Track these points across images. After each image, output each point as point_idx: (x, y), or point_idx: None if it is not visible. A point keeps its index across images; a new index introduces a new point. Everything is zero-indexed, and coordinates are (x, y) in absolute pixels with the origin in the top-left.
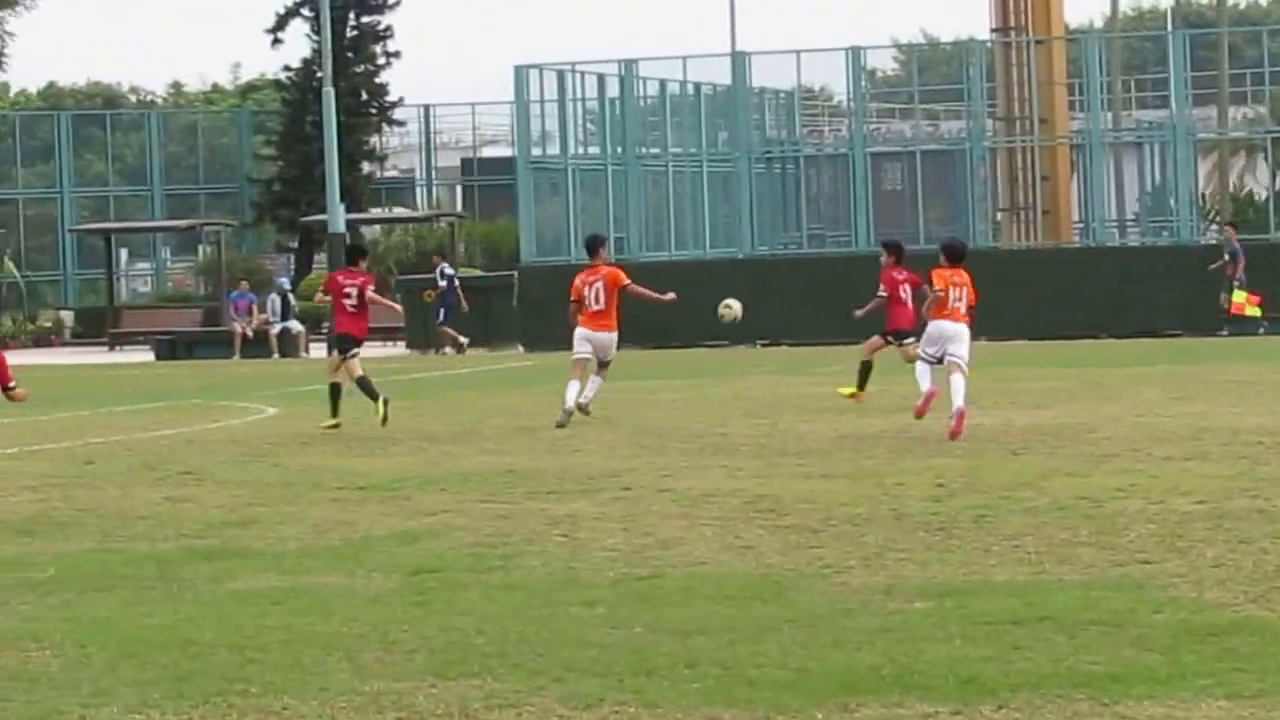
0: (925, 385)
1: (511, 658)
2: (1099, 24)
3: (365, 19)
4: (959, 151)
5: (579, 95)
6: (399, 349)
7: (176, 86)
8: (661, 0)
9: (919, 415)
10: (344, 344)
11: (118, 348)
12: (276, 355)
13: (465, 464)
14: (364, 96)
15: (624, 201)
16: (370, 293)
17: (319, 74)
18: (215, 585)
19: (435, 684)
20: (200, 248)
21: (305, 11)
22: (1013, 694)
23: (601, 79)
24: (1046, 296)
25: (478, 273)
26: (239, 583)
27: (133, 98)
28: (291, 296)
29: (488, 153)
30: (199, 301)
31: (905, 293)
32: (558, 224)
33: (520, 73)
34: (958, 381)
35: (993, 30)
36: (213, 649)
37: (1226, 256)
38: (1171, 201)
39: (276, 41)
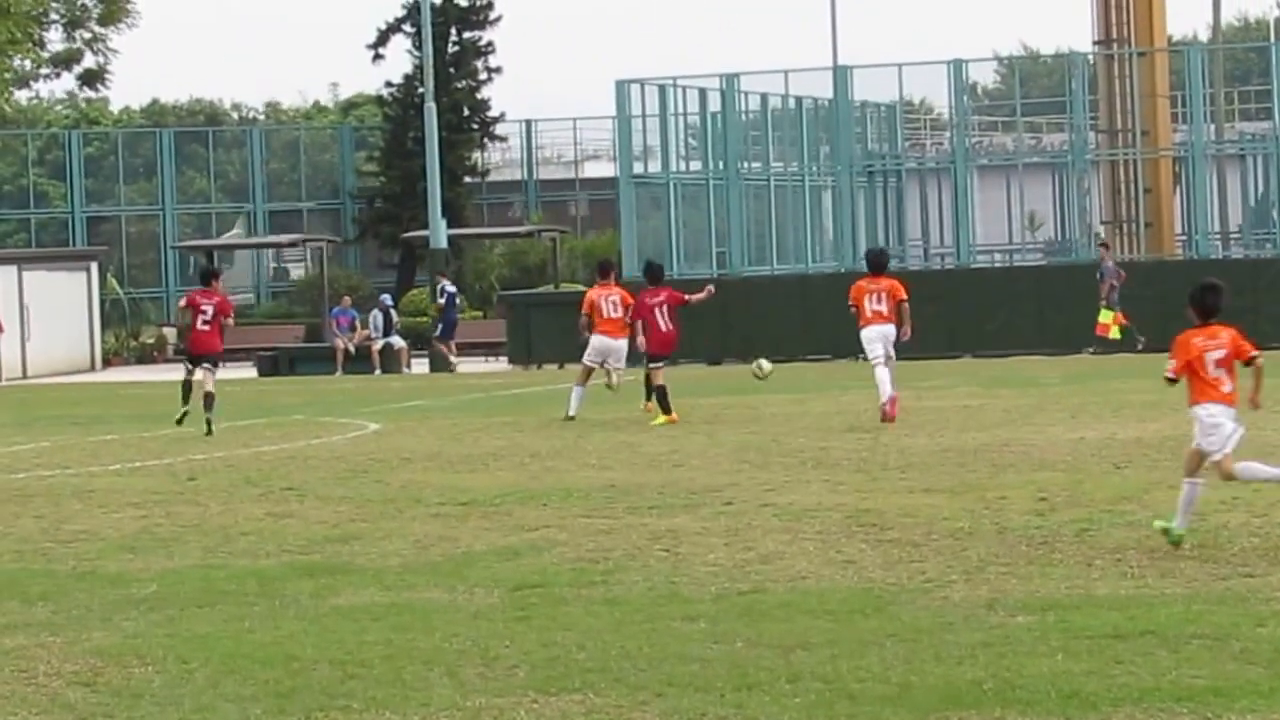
0: (886, 392)
1: (613, 673)
2: (1202, 36)
3: (467, 34)
4: (1061, 164)
5: (680, 110)
6: (501, 364)
7: (273, 106)
8: (763, 14)
9: (887, 419)
10: (199, 360)
11: (220, 364)
12: (379, 371)
13: (567, 479)
14: (466, 112)
15: (725, 216)
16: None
17: (421, 89)
18: (317, 601)
19: (537, 699)
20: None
21: (407, 28)
22: (1115, 708)
23: (703, 93)
24: (1150, 310)
25: (580, 288)
26: (341, 598)
27: (235, 114)
28: (394, 312)
29: (590, 167)
30: (301, 317)
31: (662, 315)
32: (660, 239)
33: (621, 87)
34: (883, 369)
35: (1095, 43)
36: (314, 665)
37: (1099, 276)
38: (1275, 214)
39: (378, 57)
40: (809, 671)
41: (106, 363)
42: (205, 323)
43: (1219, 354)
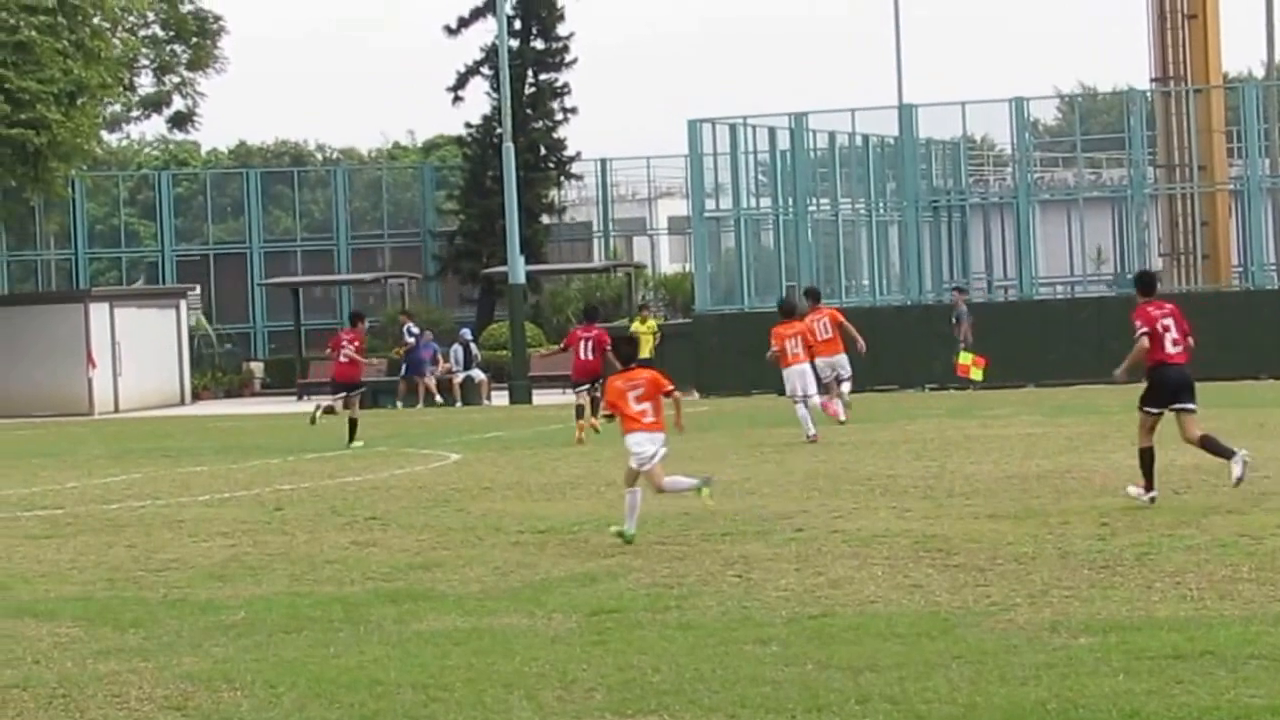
0: (810, 430)
1: (687, 695)
2: (1257, 72)
3: (543, 76)
4: (1121, 199)
5: (751, 148)
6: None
7: (349, 152)
8: (830, 54)
9: (814, 440)
10: (344, 387)
11: (306, 397)
12: (459, 403)
13: (642, 507)
14: (542, 151)
15: (795, 251)
16: (351, 350)
17: (499, 130)
18: (401, 626)
19: None
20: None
21: (485, 70)
22: None
23: (772, 132)
24: (1207, 339)
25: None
26: (423, 624)
27: (319, 155)
28: (474, 346)
29: (663, 205)
30: (384, 352)
31: (586, 347)
32: (731, 274)
33: (694, 126)
34: (803, 407)
35: (1152, 80)
36: (398, 688)
37: (954, 320)
38: None
39: (458, 99)
40: (878, 693)
41: (196, 397)
42: (348, 356)
43: (638, 391)
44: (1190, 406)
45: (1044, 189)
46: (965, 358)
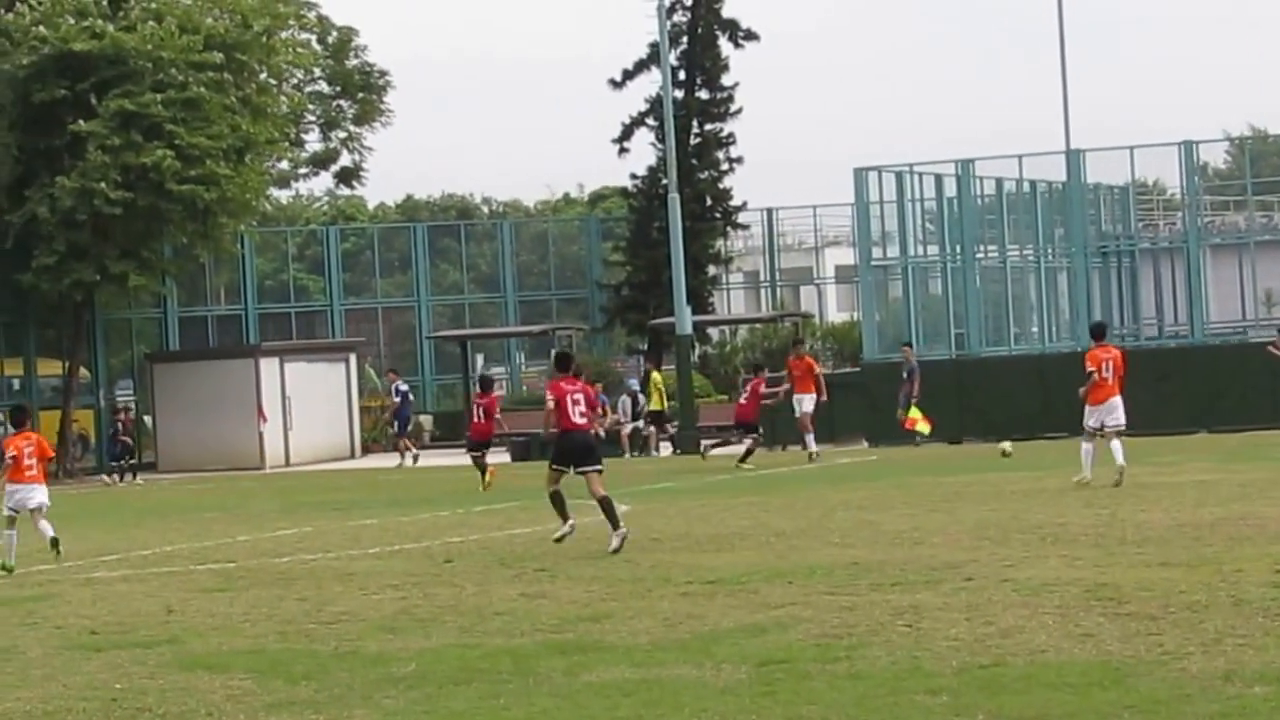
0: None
1: None
2: None
3: (708, 126)
4: None
5: (917, 195)
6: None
7: (513, 205)
8: (996, 100)
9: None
10: (743, 428)
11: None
12: (628, 455)
13: (811, 557)
14: (708, 201)
15: (963, 298)
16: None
17: (664, 181)
18: (570, 678)
19: None
20: (553, 352)
21: (650, 121)
22: None
23: (939, 179)
24: None
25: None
26: (592, 675)
27: (485, 209)
28: (641, 397)
29: (830, 253)
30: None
31: (478, 412)
32: (899, 322)
33: (859, 175)
34: None
35: None
36: None
37: (904, 375)
38: None
39: (623, 150)
40: None
41: (365, 450)
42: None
43: (30, 449)
44: (596, 468)
45: (1214, 233)
46: (915, 412)
